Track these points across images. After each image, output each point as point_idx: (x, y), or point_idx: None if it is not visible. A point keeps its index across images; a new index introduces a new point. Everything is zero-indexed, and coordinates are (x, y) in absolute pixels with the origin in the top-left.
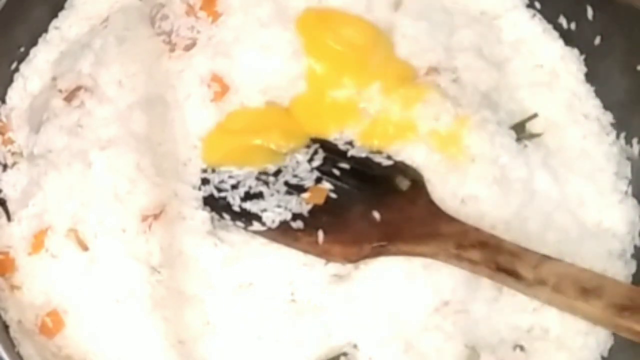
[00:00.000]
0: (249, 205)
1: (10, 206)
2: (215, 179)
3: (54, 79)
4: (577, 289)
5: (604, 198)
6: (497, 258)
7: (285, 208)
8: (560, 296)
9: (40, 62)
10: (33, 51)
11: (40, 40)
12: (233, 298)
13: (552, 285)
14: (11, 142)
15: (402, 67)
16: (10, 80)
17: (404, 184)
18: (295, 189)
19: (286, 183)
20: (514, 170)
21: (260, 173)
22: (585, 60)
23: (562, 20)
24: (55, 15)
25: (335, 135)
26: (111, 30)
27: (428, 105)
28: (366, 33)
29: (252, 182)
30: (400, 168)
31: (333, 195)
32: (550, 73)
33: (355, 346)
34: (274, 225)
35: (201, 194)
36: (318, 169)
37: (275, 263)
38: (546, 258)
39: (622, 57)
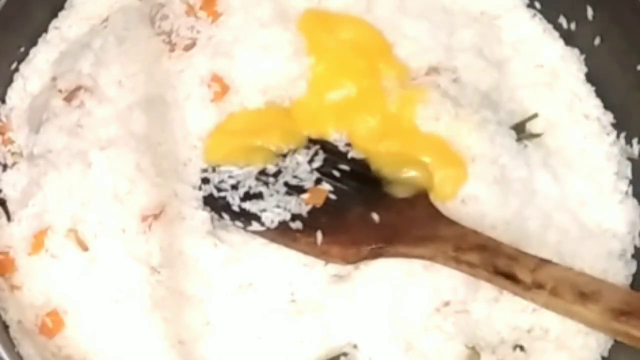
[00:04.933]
0: (248, 206)
1: (10, 206)
2: (215, 178)
3: (54, 79)
4: (574, 293)
5: (604, 198)
6: (495, 261)
7: (285, 208)
8: (558, 300)
9: (40, 62)
10: (33, 51)
11: (40, 40)
12: (233, 298)
13: (550, 289)
14: (11, 142)
15: (402, 67)
16: (10, 80)
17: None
18: (295, 189)
19: (286, 184)
20: (514, 170)
21: (260, 173)
22: (586, 60)
23: (562, 20)
24: (55, 15)
25: (336, 137)
26: (111, 30)
27: (428, 105)
28: (366, 34)
29: (251, 183)
30: None
31: (332, 197)
32: (551, 73)
33: (355, 346)
34: (273, 226)
35: (201, 193)
36: (318, 170)
37: (275, 263)
38: (544, 262)
39: (622, 57)
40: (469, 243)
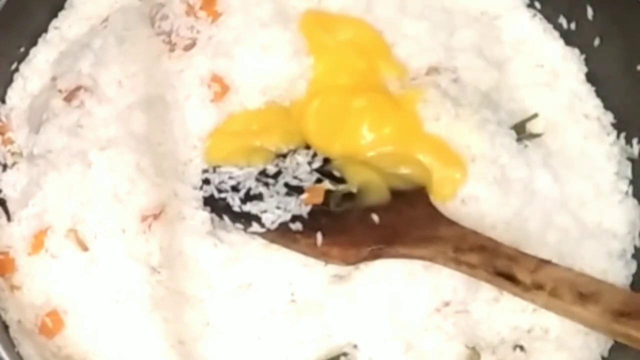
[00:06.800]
0: (248, 207)
1: (10, 206)
2: (215, 179)
3: (54, 79)
4: (574, 293)
5: (604, 198)
6: (495, 262)
7: (285, 210)
8: (558, 301)
9: (40, 62)
10: (33, 51)
11: (40, 40)
12: (233, 298)
13: (550, 289)
14: (11, 142)
15: (402, 67)
16: (10, 80)
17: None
18: (295, 190)
19: (286, 184)
20: (514, 170)
21: (260, 174)
22: (586, 60)
23: (562, 20)
24: (55, 15)
25: None
26: (111, 30)
27: (428, 105)
28: (366, 34)
29: (252, 183)
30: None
31: None
32: (551, 73)
33: (355, 346)
34: (273, 227)
35: (201, 194)
36: (318, 170)
37: (275, 263)
38: (544, 262)
39: (622, 57)
40: (469, 244)
